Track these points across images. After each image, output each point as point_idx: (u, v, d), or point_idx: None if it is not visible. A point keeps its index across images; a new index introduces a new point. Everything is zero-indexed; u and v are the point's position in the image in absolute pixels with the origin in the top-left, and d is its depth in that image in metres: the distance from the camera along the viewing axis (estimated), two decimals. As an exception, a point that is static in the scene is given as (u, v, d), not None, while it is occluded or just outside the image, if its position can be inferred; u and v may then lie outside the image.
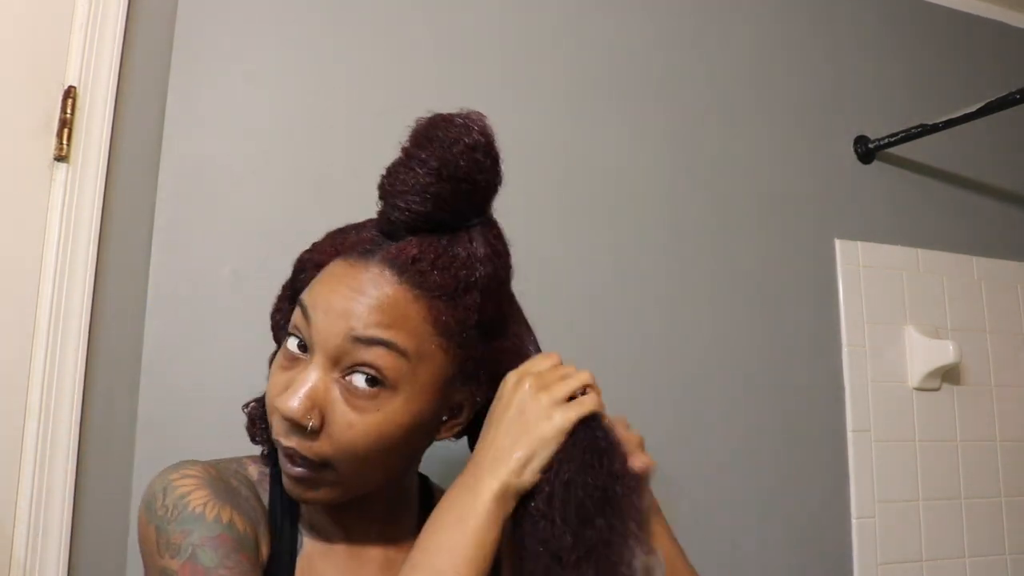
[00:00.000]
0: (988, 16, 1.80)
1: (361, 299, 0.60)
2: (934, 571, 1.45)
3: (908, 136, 1.51)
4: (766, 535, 1.35)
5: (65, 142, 1.01)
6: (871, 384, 1.47)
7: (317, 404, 0.59)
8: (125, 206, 1.06)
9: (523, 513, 0.60)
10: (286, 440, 0.60)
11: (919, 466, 1.48)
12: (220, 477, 0.64)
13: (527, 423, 0.61)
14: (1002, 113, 1.37)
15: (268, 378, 0.65)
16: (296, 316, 0.63)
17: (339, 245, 0.67)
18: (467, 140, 0.62)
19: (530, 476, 0.60)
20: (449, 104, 1.25)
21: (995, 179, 1.71)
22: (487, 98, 1.29)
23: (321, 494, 0.62)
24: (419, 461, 0.74)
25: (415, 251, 0.62)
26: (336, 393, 0.60)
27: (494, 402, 0.64)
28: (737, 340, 1.39)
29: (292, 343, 0.62)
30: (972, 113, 1.39)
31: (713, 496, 1.33)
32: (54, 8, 1.03)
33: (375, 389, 0.59)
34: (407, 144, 0.63)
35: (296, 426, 0.59)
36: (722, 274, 1.41)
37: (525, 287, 1.26)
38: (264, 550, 0.64)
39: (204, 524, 0.58)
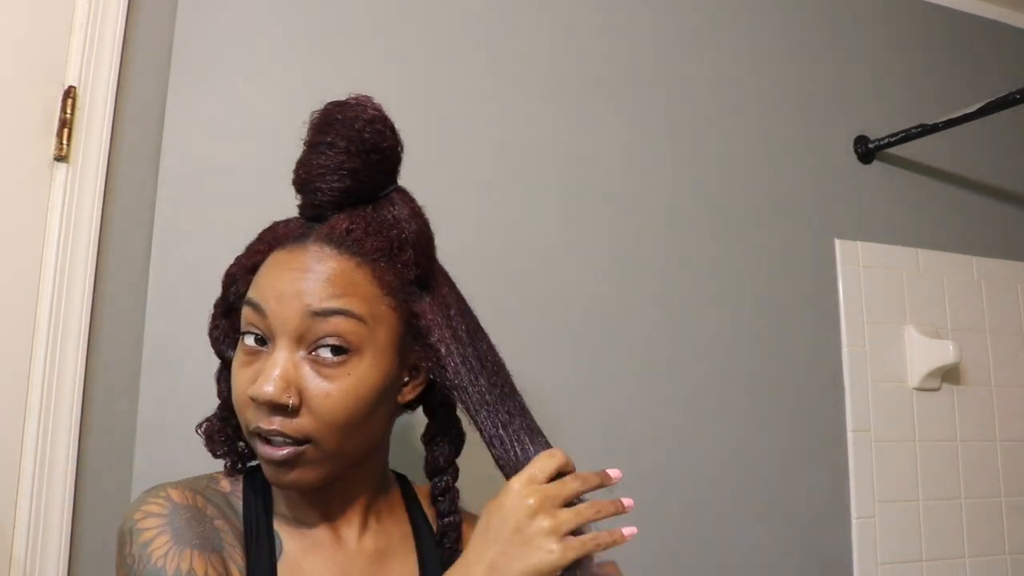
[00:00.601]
0: (988, 16, 1.80)
1: (309, 276, 0.64)
2: (934, 571, 1.45)
3: (908, 136, 1.51)
4: (766, 535, 1.35)
5: (65, 142, 1.01)
6: (871, 384, 1.47)
7: (291, 383, 0.62)
8: (125, 206, 1.07)
9: None
10: (267, 424, 0.62)
11: (919, 466, 1.48)
12: (185, 505, 0.65)
13: (527, 549, 0.57)
14: (1002, 113, 1.37)
15: (232, 379, 0.67)
16: (247, 314, 0.66)
17: (268, 242, 0.71)
18: (364, 116, 0.67)
19: None
20: (449, 103, 1.25)
21: (995, 179, 1.71)
22: (487, 98, 1.29)
23: (304, 474, 0.64)
24: (390, 434, 0.75)
25: (346, 223, 0.67)
26: (306, 369, 0.63)
27: (493, 506, 0.60)
28: (737, 340, 1.40)
29: (249, 339, 0.65)
30: (972, 113, 1.39)
31: (713, 496, 1.33)
32: (54, 8, 1.03)
33: (342, 357, 0.63)
34: (310, 136, 0.68)
35: (276, 407, 0.62)
36: (722, 274, 1.41)
37: (526, 287, 1.26)
38: (235, 572, 0.64)
39: None
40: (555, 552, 0.57)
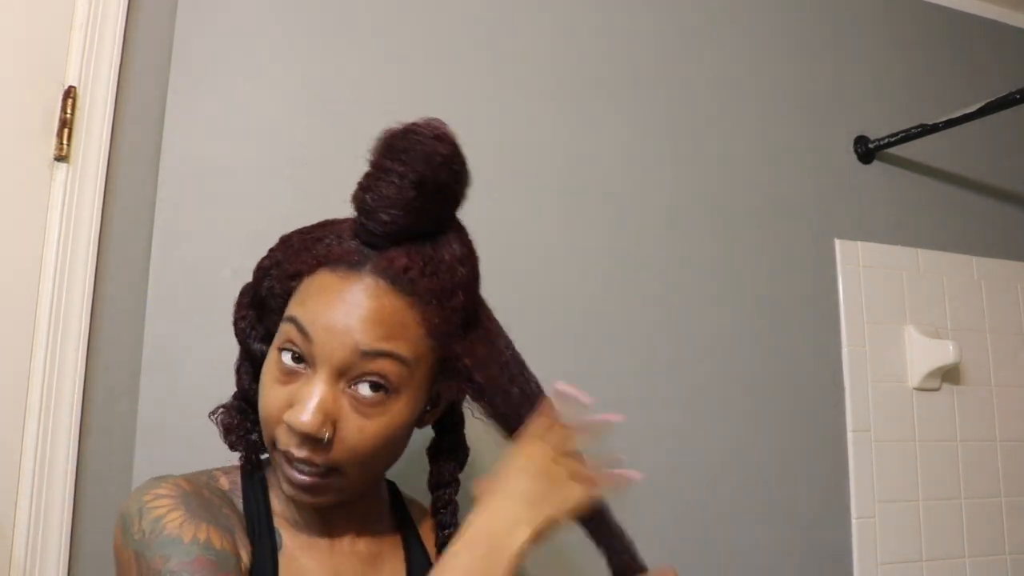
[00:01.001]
0: (988, 16, 1.80)
1: (360, 312, 0.63)
2: (934, 571, 1.45)
3: (908, 136, 1.51)
4: (766, 535, 1.35)
5: (65, 142, 1.01)
6: (871, 384, 1.47)
7: (328, 416, 0.62)
8: (125, 206, 1.07)
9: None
10: (298, 451, 0.62)
11: (919, 466, 1.48)
12: (194, 492, 0.65)
13: (558, 483, 0.64)
14: (1002, 113, 1.37)
15: (261, 391, 0.66)
16: (290, 332, 0.64)
17: (319, 256, 0.67)
18: (443, 152, 0.64)
19: (557, 528, 0.64)
20: (449, 103, 1.25)
21: (995, 179, 1.71)
22: (487, 98, 1.29)
23: (327, 498, 0.66)
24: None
25: (405, 260, 0.65)
26: (344, 403, 0.63)
27: (516, 449, 0.66)
28: (737, 340, 1.40)
29: (287, 357, 0.64)
30: (972, 113, 1.39)
31: (713, 496, 1.33)
32: (54, 8, 1.03)
33: (380, 394, 0.63)
34: (381, 157, 0.65)
35: (311, 439, 0.62)
36: (722, 274, 1.41)
37: (526, 288, 1.26)
38: (245, 557, 0.64)
39: (181, 548, 0.58)
40: (580, 490, 0.65)
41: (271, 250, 0.72)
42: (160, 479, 0.65)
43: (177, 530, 0.59)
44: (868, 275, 1.51)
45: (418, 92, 1.24)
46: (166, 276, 1.06)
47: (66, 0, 1.04)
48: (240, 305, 0.75)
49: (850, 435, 1.43)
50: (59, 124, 1.01)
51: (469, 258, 0.70)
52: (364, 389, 0.63)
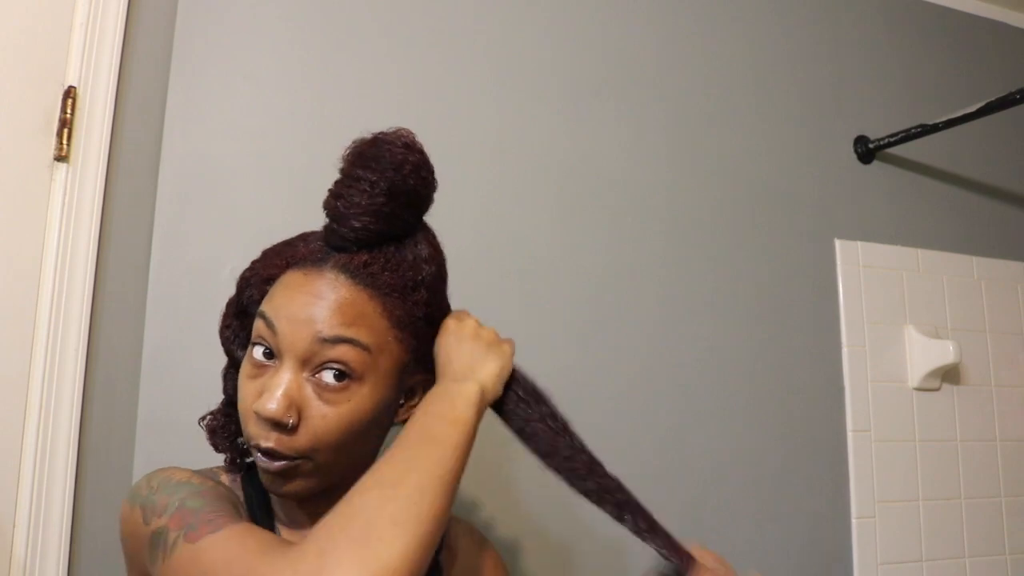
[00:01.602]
0: (988, 16, 1.80)
1: (321, 303, 0.66)
2: (934, 571, 1.45)
3: (908, 136, 1.51)
4: (766, 535, 1.35)
5: (65, 142, 1.01)
6: (871, 384, 1.47)
7: (293, 402, 0.64)
8: (125, 206, 1.07)
9: (510, 402, 0.73)
10: (265, 441, 0.64)
11: (919, 466, 1.48)
12: (202, 473, 0.69)
13: (489, 346, 0.72)
14: (1002, 113, 1.37)
15: (238, 388, 0.69)
16: (259, 327, 0.67)
17: (288, 258, 0.72)
18: (412, 160, 0.68)
19: (499, 386, 0.71)
20: (449, 103, 1.25)
21: (995, 179, 1.71)
22: (487, 98, 1.29)
23: (299, 485, 0.67)
24: (381, 445, 0.77)
25: (366, 256, 0.69)
26: (308, 390, 0.65)
27: (441, 336, 0.73)
28: (737, 340, 1.40)
29: (258, 351, 0.67)
30: (972, 113, 1.39)
31: (713, 496, 1.33)
32: (54, 8, 1.03)
33: (344, 382, 0.65)
34: (351, 165, 0.69)
35: (276, 425, 0.64)
36: (722, 274, 1.41)
37: (525, 288, 1.26)
38: None
39: (190, 486, 0.64)
40: (506, 347, 0.74)
41: (253, 262, 0.76)
42: (168, 468, 0.69)
43: (185, 478, 0.66)
44: (868, 275, 1.51)
45: (418, 92, 1.24)
46: (166, 276, 1.06)
47: (66, 0, 1.04)
48: (225, 315, 0.78)
49: (850, 435, 1.43)
50: (59, 124, 1.01)
51: (435, 258, 0.74)
52: (327, 376, 0.65)
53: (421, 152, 0.70)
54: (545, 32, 1.35)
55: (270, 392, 0.64)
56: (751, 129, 1.48)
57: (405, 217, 0.70)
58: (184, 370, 1.05)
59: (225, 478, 0.74)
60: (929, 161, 1.64)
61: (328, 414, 0.65)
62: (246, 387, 0.67)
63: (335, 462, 0.67)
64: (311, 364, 0.65)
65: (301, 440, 0.64)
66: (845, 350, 1.46)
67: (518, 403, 0.74)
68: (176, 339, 1.06)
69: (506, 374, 0.73)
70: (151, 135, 1.09)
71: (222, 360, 1.06)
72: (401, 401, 0.73)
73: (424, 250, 0.72)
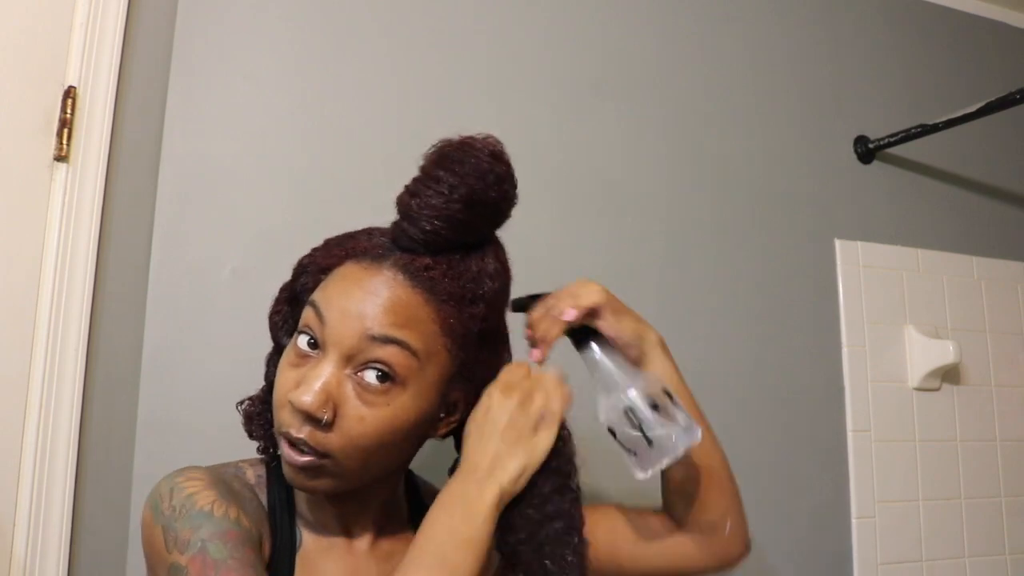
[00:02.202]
0: (988, 16, 1.80)
1: (375, 300, 0.63)
2: (934, 571, 1.45)
3: (908, 136, 1.51)
4: (766, 535, 1.35)
5: (65, 142, 1.01)
6: (871, 384, 1.47)
7: (331, 398, 0.62)
8: (125, 206, 1.07)
9: (513, 514, 0.67)
10: (297, 432, 0.62)
11: (919, 466, 1.48)
12: (223, 479, 0.67)
13: (519, 436, 0.67)
14: (1002, 113, 1.37)
15: (276, 375, 0.67)
16: (308, 315, 0.65)
17: (348, 249, 0.69)
18: (497, 171, 0.65)
19: (521, 484, 0.66)
20: (449, 103, 1.25)
21: (995, 179, 1.71)
22: (487, 98, 1.29)
23: (322, 483, 0.65)
24: (412, 458, 0.75)
25: (428, 260, 0.66)
26: (348, 388, 0.63)
27: (478, 411, 0.69)
28: (737, 340, 1.39)
29: (303, 340, 0.65)
30: (972, 113, 1.39)
31: (713, 496, 1.32)
32: (54, 8, 1.03)
33: (386, 384, 0.63)
34: (433, 165, 0.66)
35: (310, 418, 0.61)
36: (722, 274, 1.41)
37: (526, 288, 1.26)
38: (267, 547, 0.66)
39: (212, 520, 0.60)
40: (542, 437, 0.68)
41: (313, 249, 0.73)
42: (191, 467, 0.67)
43: (208, 506, 0.61)
44: (868, 275, 1.51)
45: (418, 92, 1.24)
46: (166, 276, 1.06)
47: (66, 0, 1.04)
48: (277, 300, 0.75)
49: (850, 435, 1.43)
50: (59, 124, 1.01)
51: (500, 274, 0.71)
52: (369, 376, 0.62)
53: (508, 164, 0.67)
54: (545, 32, 1.35)
55: (308, 383, 0.62)
56: (751, 129, 1.48)
57: (479, 227, 0.68)
58: (184, 370, 1.05)
59: (250, 473, 0.72)
60: (929, 161, 1.64)
61: (366, 416, 0.62)
62: (285, 374, 0.65)
63: (362, 468, 0.65)
64: (355, 361, 0.63)
65: (333, 439, 0.62)
66: (845, 350, 1.46)
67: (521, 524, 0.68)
68: (176, 339, 1.06)
69: (531, 472, 0.67)
70: (151, 135, 1.09)
71: (222, 358, 1.07)
72: (441, 415, 0.70)
73: (491, 265, 0.69)
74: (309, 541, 0.70)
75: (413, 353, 0.63)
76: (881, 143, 1.55)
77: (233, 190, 1.12)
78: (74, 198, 1.01)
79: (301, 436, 0.62)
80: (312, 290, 0.69)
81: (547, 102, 1.33)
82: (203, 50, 1.13)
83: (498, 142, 0.67)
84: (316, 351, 0.64)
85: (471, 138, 0.66)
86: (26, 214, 0.99)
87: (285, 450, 0.64)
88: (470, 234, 0.67)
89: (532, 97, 1.32)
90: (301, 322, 0.66)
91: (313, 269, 0.71)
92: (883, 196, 1.58)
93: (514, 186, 0.68)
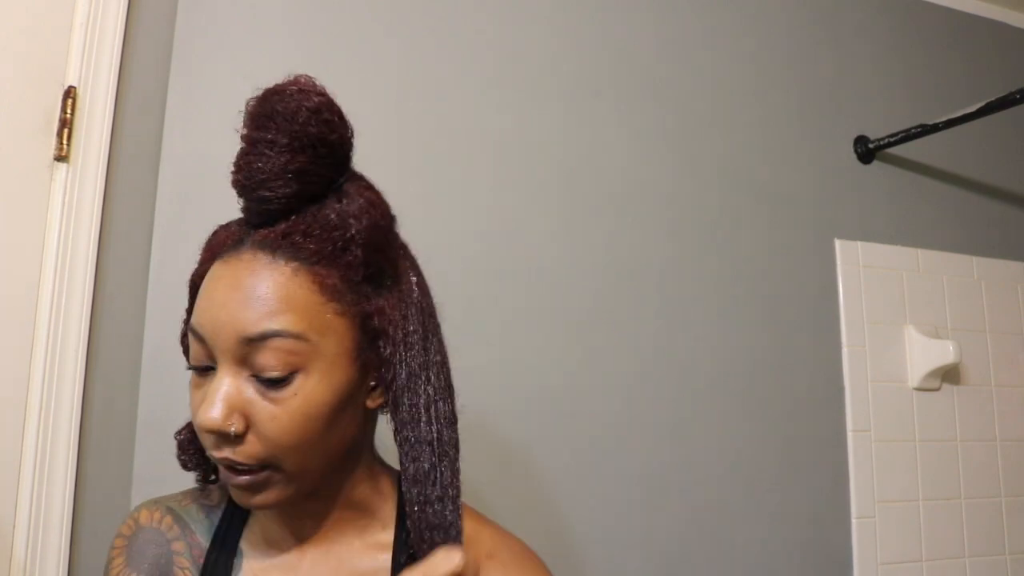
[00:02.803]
0: (988, 16, 1.80)
1: (238, 295, 0.57)
2: (934, 571, 1.45)
3: (908, 136, 1.51)
4: (766, 535, 1.35)
5: (65, 142, 1.01)
6: (871, 384, 1.47)
7: (235, 408, 0.57)
8: (125, 206, 1.07)
9: None
10: (218, 452, 0.58)
11: (919, 466, 1.48)
12: (150, 529, 0.68)
13: None
14: (1002, 113, 1.37)
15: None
16: (192, 341, 0.60)
17: (212, 250, 0.64)
18: (308, 105, 0.60)
19: None
20: (450, 105, 1.25)
21: (995, 179, 1.71)
22: (488, 99, 1.29)
23: (272, 496, 0.60)
24: (369, 443, 0.69)
25: (283, 225, 0.60)
26: (251, 391, 0.58)
27: None
28: (737, 340, 1.40)
29: (194, 371, 0.61)
30: (972, 113, 1.39)
31: (713, 496, 1.33)
32: (54, 8, 1.03)
33: (286, 378, 0.58)
34: (247, 130, 0.61)
35: (222, 435, 0.57)
36: (722, 274, 1.41)
37: (526, 289, 1.26)
38: None
39: None
40: None
41: (199, 261, 0.69)
42: (136, 508, 0.70)
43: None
44: (868, 275, 1.51)
45: (418, 92, 1.24)
46: (166, 276, 1.06)
47: (66, 0, 1.04)
48: (185, 321, 0.70)
49: (850, 435, 1.43)
50: (59, 124, 1.01)
51: (367, 210, 0.62)
52: (265, 375, 0.57)
53: (321, 94, 0.61)
54: (546, 32, 1.35)
55: (209, 400, 0.57)
56: (751, 129, 1.48)
57: (319, 171, 0.60)
58: (184, 370, 1.05)
59: (216, 495, 0.70)
60: (929, 161, 1.64)
61: (277, 415, 0.57)
62: (192, 397, 0.61)
63: (307, 464, 0.60)
64: (247, 363, 0.58)
65: (256, 447, 0.57)
66: (845, 350, 1.46)
67: None
68: (176, 339, 1.06)
69: None
70: (151, 135, 1.09)
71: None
72: (372, 383, 0.64)
73: (352, 204, 0.62)
74: (253, 564, 0.65)
75: (298, 337, 0.57)
76: (881, 143, 1.55)
77: (233, 190, 1.11)
78: (74, 198, 1.01)
79: (224, 455, 0.58)
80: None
81: (548, 103, 1.33)
82: (203, 50, 1.13)
83: (305, 77, 0.62)
84: (212, 369, 0.59)
85: (274, 86, 0.61)
86: (26, 214, 0.99)
87: (223, 473, 0.60)
88: (312, 182, 0.60)
89: (533, 98, 1.32)
90: (190, 352, 0.61)
91: (197, 279, 0.66)
92: (883, 196, 1.58)
93: (335, 112, 0.62)
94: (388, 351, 0.62)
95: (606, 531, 1.24)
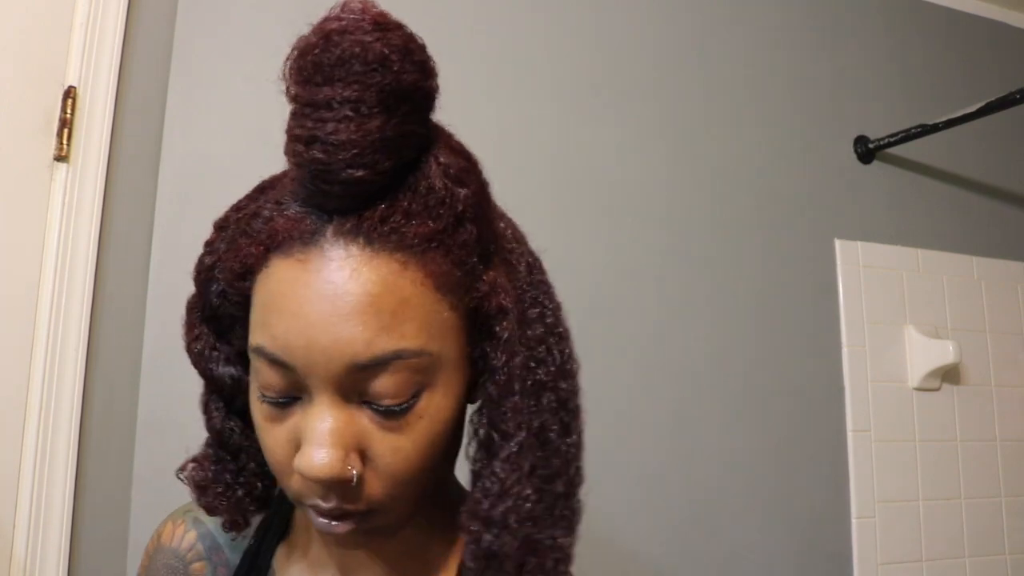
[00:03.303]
0: (988, 16, 1.80)
1: (340, 307, 0.43)
2: (934, 571, 1.45)
3: (908, 136, 1.51)
4: (766, 535, 1.35)
5: (65, 142, 1.01)
6: (871, 384, 1.47)
7: (349, 447, 0.45)
8: (125, 206, 1.07)
9: None
10: (326, 502, 0.46)
11: (919, 466, 1.48)
12: (169, 550, 0.61)
13: None
14: (1002, 113, 1.37)
15: (258, 432, 0.49)
16: (262, 370, 0.46)
17: (262, 240, 0.48)
18: (396, 42, 0.45)
19: None
20: (449, 104, 1.25)
21: (995, 179, 1.71)
22: (487, 99, 1.29)
23: (373, 538, 0.52)
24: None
25: (382, 207, 0.45)
26: (364, 421, 0.45)
27: None
28: (737, 340, 1.40)
29: (270, 403, 0.47)
30: (972, 113, 1.39)
31: (713, 496, 1.33)
32: (54, 8, 1.03)
33: (408, 402, 0.45)
34: (309, 86, 0.45)
35: (335, 484, 0.45)
36: (722, 274, 1.41)
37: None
38: None
39: None
40: None
41: (207, 243, 0.55)
42: (164, 522, 0.63)
43: None
44: (868, 275, 1.51)
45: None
46: (166, 276, 1.06)
47: (66, 0, 1.04)
48: (189, 325, 0.58)
49: (850, 435, 1.43)
50: (59, 124, 1.01)
51: (470, 171, 0.50)
52: (383, 405, 0.45)
53: (399, 25, 0.46)
54: (544, 32, 1.35)
55: (313, 444, 0.44)
56: (751, 129, 1.48)
57: (412, 131, 0.46)
58: (184, 370, 1.04)
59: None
60: (929, 161, 1.64)
61: (402, 446, 0.45)
62: (273, 434, 0.47)
63: (413, 495, 0.48)
64: (356, 393, 0.45)
65: (375, 488, 0.46)
66: (845, 350, 1.46)
67: None
68: (176, 339, 1.05)
69: None
70: (151, 135, 1.09)
71: (222, 360, 1.06)
72: (480, 379, 0.52)
73: (453, 163, 0.48)
74: None
75: (421, 353, 0.45)
76: (881, 143, 1.55)
77: (233, 190, 1.11)
78: (74, 198, 1.01)
79: (333, 505, 0.45)
80: (237, 302, 0.51)
81: (547, 103, 1.33)
82: (203, 50, 1.13)
83: (367, 4, 0.46)
84: (293, 400, 0.46)
85: (330, 21, 0.44)
86: (26, 214, 0.99)
87: (316, 521, 0.47)
88: (406, 146, 0.46)
89: (532, 98, 1.32)
90: (256, 379, 0.47)
91: (224, 273, 0.51)
92: (883, 196, 1.58)
93: (423, 49, 0.47)
94: (507, 334, 0.49)
95: (606, 531, 1.24)
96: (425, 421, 0.46)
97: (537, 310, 0.52)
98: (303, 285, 0.44)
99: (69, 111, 1.01)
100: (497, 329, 0.49)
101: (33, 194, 0.99)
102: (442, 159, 0.48)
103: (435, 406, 0.47)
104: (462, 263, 0.47)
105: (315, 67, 0.44)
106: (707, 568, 1.30)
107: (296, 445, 0.46)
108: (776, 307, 1.44)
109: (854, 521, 1.40)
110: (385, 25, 0.45)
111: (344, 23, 0.44)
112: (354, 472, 0.44)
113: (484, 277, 0.49)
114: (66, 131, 1.01)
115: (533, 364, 0.51)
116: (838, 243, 1.50)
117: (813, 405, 1.43)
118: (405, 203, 0.46)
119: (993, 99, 1.34)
